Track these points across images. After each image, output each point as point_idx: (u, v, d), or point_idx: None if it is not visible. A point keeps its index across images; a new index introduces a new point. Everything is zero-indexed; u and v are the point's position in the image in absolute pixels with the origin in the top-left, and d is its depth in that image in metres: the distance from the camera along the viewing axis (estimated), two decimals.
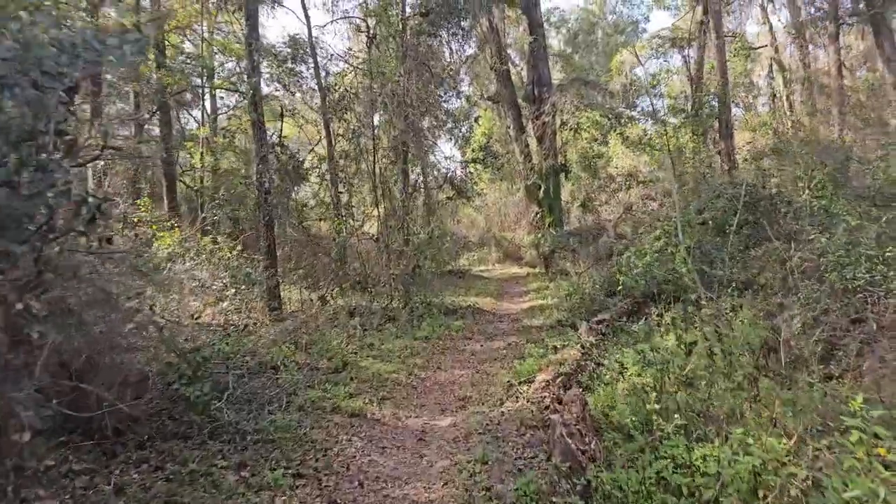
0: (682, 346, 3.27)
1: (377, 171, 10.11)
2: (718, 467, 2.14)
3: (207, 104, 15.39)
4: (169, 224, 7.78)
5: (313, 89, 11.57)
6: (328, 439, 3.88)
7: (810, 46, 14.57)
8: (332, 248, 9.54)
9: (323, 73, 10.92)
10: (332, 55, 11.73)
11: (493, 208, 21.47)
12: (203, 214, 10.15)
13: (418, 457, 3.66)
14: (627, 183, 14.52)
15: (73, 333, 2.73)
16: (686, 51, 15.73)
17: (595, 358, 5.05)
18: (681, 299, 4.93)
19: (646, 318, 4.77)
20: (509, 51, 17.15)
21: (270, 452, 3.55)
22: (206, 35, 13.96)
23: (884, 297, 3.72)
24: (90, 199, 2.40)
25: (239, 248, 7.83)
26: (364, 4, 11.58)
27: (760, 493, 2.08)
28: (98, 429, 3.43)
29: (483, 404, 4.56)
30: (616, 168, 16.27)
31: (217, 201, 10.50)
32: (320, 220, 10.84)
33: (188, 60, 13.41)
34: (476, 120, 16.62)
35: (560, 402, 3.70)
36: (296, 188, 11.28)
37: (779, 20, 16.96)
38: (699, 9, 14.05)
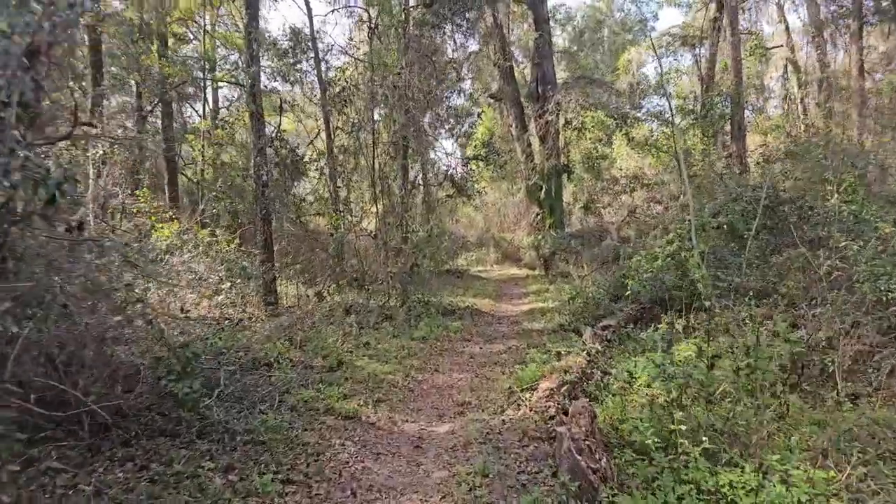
0: (705, 360, 3.04)
1: (376, 166, 9.92)
2: (756, 499, 1.93)
3: (210, 98, 15.22)
4: (168, 216, 7.63)
5: (313, 82, 11.37)
6: (320, 443, 3.71)
7: (829, 47, 14.26)
8: (329, 244, 9.36)
9: (324, 67, 10.72)
10: (332, 45, 11.54)
11: (492, 208, 21.31)
12: (202, 207, 9.99)
13: (414, 465, 3.47)
14: (632, 185, 14.29)
15: (47, 326, 2.52)
16: (697, 49, 15.47)
17: (601, 366, 4.84)
18: (693, 307, 4.71)
19: (655, 326, 4.54)
20: (513, 48, 16.94)
21: (260, 455, 3.41)
22: (207, 27, 13.76)
23: None
24: (50, 179, 2.17)
25: (237, 241, 7.68)
26: None
27: None
28: (83, 424, 3.27)
29: (483, 411, 4.38)
30: (620, 170, 16.04)
31: (215, 193, 10.33)
32: (318, 214, 10.64)
33: (191, 54, 13.25)
34: (479, 115, 16.40)
35: (566, 414, 3.49)
36: (295, 182, 11.10)
37: (798, 18, 16.62)
38: (713, 5, 13.78)
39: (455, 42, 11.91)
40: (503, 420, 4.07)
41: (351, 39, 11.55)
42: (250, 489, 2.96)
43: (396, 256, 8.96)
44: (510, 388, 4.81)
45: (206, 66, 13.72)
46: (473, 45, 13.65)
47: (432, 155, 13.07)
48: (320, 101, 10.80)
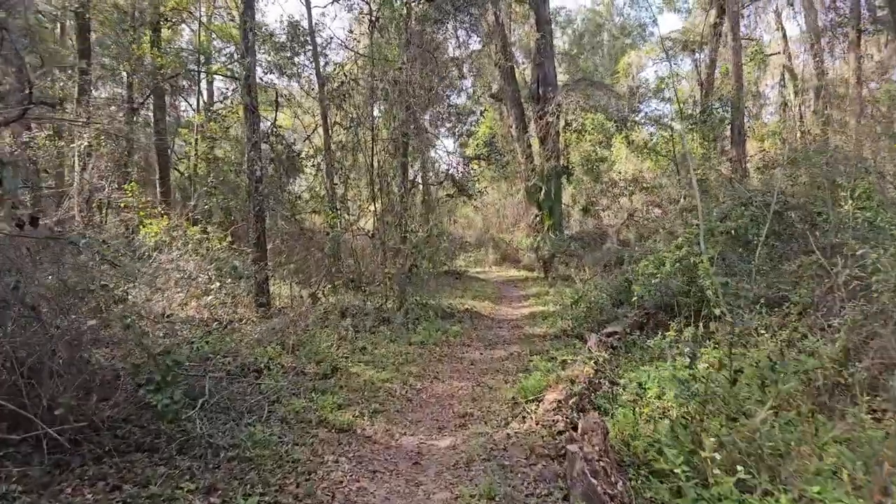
0: (727, 374, 2.85)
1: (375, 164, 9.66)
2: None
3: (204, 91, 14.86)
4: (157, 211, 7.32)
5: (311, 76, 11.08)
6: (312, 459, 3.44)
7: (826, 54, 14.30)
8: (325, 243, 9.07)
9: (322, 61, 10.44)
10: (331, 38, 11.24)
11: (491, 209, 21.18)
12: (192, 202, 9.65)
13: (414, 485, 3.22)
14: (630, 188, 14.20)
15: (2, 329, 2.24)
16: (697, 54, 15.42)
17: (609, 375, 4.64)
18: (702, 314, 4.53)
19: (662, 334, 4.35)
20: (514, 49, 16.80)
21: (246, 473, 3.13)
22: (203, 19, 13.40)
23: None
24: None
25: (229, 239, 7.39)
26: None
27: None
28: (50, 438, 2.97)
29: (486, 423, 4.13)
30: (619, 173, 15.96)
31: (206, 188, 10.00)
32: (314, 213, 10.35)
33: (185, 46, 12.90)
34: (482, 114, 16.22)
35: (575, 429, 3.27)
36: (290, 179, 10.81)
37: (797, 25, 16.68)
38: (713, 11, 13.74)
39: (457, 39, 11.72)
40: (508, 434, 3.83)
41: (351, 32, 11.29)
42: None
43: (394, 257, 8.71)
44: (514, 398, 4.57)
45: (201, 59, 13.36)
46: (475, 44, 13.48)
47: (433, 153, 12.85)
48: (318, 95, 10.52)
